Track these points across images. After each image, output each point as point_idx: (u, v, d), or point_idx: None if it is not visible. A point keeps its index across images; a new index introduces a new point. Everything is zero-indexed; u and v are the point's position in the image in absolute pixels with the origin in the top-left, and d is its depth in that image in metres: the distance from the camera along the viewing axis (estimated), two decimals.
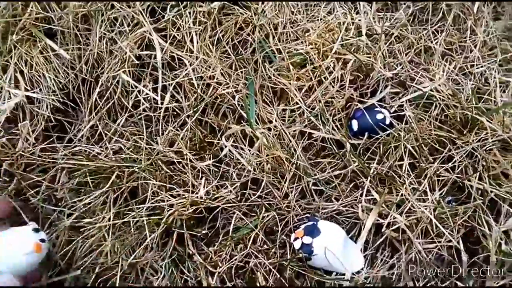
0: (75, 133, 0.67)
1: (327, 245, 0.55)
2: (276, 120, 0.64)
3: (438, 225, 0.57)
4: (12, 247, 0.51)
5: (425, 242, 0.58)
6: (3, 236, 0.51)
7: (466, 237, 0.61)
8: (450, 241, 0.58)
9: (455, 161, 0.62)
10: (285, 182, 0.60)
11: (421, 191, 0.59)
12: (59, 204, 0.61)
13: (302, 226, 0.58)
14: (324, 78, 0.66)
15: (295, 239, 0.57)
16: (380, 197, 0.60)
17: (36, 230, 0.53)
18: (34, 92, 0.61)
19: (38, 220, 0.59)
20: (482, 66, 0.71)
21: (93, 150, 0.64)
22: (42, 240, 0.52)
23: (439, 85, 0.67)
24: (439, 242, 0.59)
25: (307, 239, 0.56)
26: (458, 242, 0.59)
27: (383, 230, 0.60)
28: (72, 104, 0.68)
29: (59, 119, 0.66)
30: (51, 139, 0.65)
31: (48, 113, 0.63)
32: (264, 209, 0.60)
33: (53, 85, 0.62)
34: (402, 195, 0.59)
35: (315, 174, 0.62)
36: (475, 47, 0.72)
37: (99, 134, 0.67)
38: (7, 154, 0.60)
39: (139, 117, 0.67)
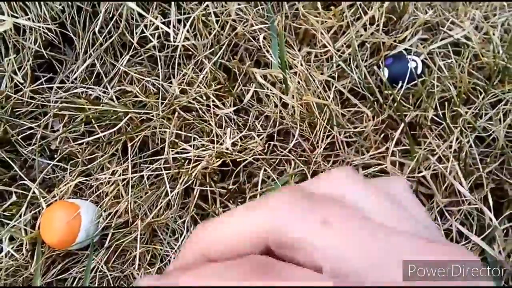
0: (67, 74, 0.56)
1: None
2: (302, 64, 0.56)
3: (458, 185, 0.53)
4: None
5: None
6: None
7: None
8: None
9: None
10: (315, 134, 0.53)
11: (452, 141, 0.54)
12: (55, 156, 0.51)
13: None
14: (354, 20, 0.58)
15: None
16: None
17: None
18: (26, 19, 0.48)
19: (34, 176, 0.48)
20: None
21: (93, 92, 0.53)
22: None
23: (468, 32, 0.61)
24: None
25: None
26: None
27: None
28: (62, 39, 0.56)
29: (50, 56, 0.54)
30: (39, 81, 0.54)
31: (38, 46, 0.51)
32: (293, 163, 0.53)
33: (44, 13, 0.50)
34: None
35: (346, 125, 0.56)
36: None
37: (97, 76, 0.56)
38: None
39: (142, 57, 0.56)
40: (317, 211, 0.21)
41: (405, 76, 0.57)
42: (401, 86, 0.57)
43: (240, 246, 0.22)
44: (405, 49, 0.60)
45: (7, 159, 0.47)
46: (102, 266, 0.46)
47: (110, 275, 0.47)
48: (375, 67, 0.57)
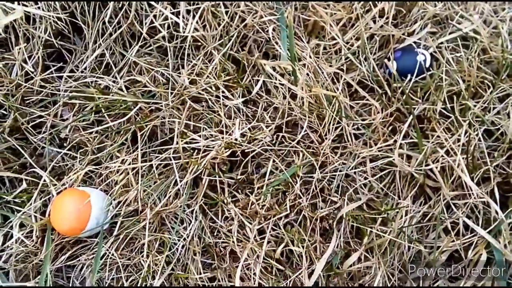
0: (77, 64, 0.55)
1: None
2: (310, 57, 0.56)
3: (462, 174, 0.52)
4: None
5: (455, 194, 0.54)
6: None
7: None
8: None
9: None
10: (324, 125, 0.53)
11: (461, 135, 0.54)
12: (64, 144, 0.51)
13: None
14: (363, 12, 0.58)
15: None
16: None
17: None
18: (37, 8, 0.48)
19: (44, 165, 0.48)
20: None
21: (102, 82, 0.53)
22: None
23: (477, 26, 0.61)
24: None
25: None
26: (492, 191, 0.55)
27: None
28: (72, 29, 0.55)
29: (59, 45, 0.54)
30: (49, 70, 0.53)
31: (48, 35, 0.50)
32: (302, 154, 0.53)
33: (54, 1, 0.49)
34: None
35: (354, 117, 0.56)
36: None
37: (106, 66, 0.56)
38: (2, 83, 0.48)
39: (151, 47, 0.56)
40: None
41: (414, 69, 0.56)
42: (410, 79, 0.56)
43: None
44: (414, 42, 0.59)
45: (18, 146, 0.47)
46: (113, 254, 0.46)
47: (119, 262, 0.47)
48: (385, 60, 0.57)
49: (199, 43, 0.55)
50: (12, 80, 0.48)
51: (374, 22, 0.57)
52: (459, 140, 0.53)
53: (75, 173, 0.48)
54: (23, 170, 0.49)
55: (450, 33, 0.60)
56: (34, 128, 0.50)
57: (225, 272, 0.47)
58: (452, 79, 0.56)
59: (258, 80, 0.54)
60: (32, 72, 0.50)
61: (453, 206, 0.53)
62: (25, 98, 0.50)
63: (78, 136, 0.49)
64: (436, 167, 0.52)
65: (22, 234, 0.45)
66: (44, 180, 0.47)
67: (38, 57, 0.51)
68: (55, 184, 0.47)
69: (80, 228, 0.44)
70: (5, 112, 0.49)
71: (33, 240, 0.45)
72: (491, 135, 0.56)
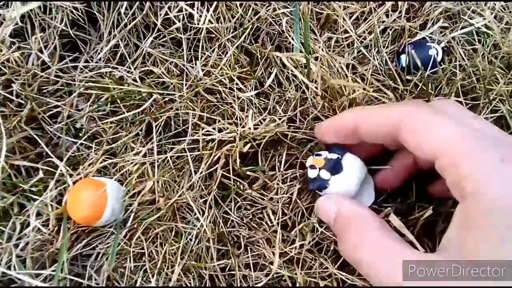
0: (91, 55, 0.55)
1: (345, 184, 0.44)
2: (323, 50, 0.55)
3: None
4: None
5: None
6: None
7: None
8: None
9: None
10: None
11: None
12: (79, 134, 0.51)
13: (324, 155, 0.45)
14: (376, 6, 0.57)
15: (312, 166, 0.45)
16: None
17: None
18: None
19: (60, 154, 0.48)
20: None
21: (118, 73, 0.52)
22: None
23: (489, 21, 0.60)
24: None
25: (325, 174, 0.44)
26: None
27: None
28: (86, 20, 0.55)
29: (75, 35, 0.53)
30: (64, 60, 0.53)
31: (64, 25, 0.50)
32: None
33: None
34: None
35: None
36: None
37: (121, 57, 0.55)
38: (18, 72, 0.48)
39: (165, 39, 0.55)
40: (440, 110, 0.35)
41: (426, 63, 0.56)
42: (422, 73, 0.56)
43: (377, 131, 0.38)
44: (426, 37, 0.59)
45: (35, 136, 0.47)
46: (129, 245, 0.46)
47: (133, 252, 0.47)
48: (402, 55, 0.56)
49: (213, 35, 0.55)
50: (28, 70, 0.48)
51: (387, 16, 0.57)
52: None
53: (90, 163, 0.47)
54: (39, 160, 0.48)
55: (461, 28, 0.59)
56: (50, 118, 0.50)
57: (240, 261, 0.47)
58: (466, 74, 0.55)
59: (270, 73, 0.54)
60: (49, 62, 0.50)
61: None
62: (42, 88, 0.50)
63: (94, 126, 0.49)
64: None
65: (39, 222, 0.45)
66: (60, 170, 0.46)
67: (55, 46, 0.50)
68: (71, 174, 0.47)
69: (96, 217, 0.44)
70: (22, 102, 0.49)
71: (49, 229, 0.45)
72: None
